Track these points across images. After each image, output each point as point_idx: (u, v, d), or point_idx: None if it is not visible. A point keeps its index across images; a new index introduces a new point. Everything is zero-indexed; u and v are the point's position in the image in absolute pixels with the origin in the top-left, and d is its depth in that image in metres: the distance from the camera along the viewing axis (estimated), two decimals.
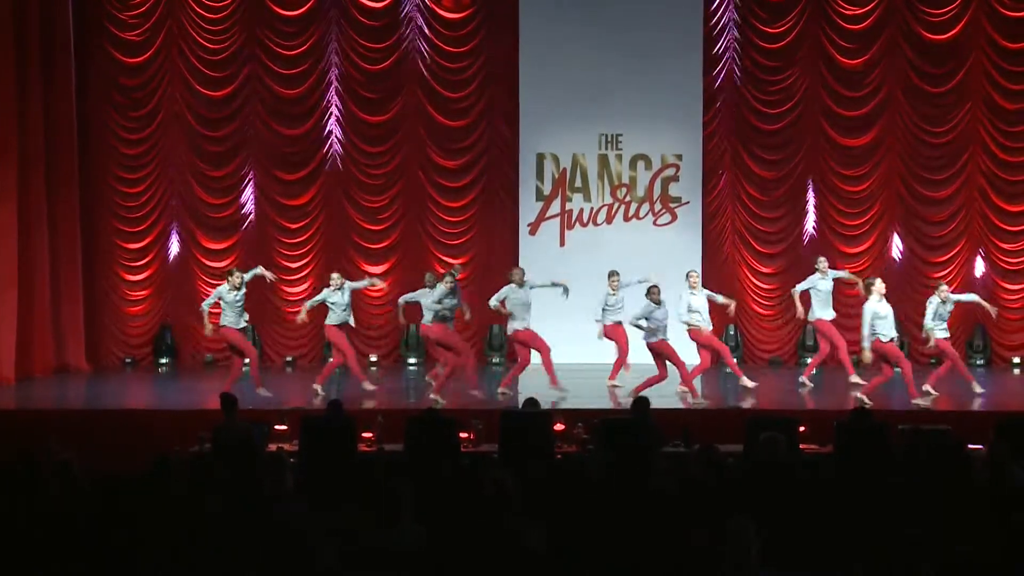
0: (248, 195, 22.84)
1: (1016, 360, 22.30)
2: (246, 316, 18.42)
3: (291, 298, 22.61)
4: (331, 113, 22.73)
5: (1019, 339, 22.56)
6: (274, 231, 22.86)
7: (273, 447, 13.90)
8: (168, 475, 8.97)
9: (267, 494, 8.87)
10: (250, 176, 22.79)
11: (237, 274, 18.21)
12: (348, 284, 18.88)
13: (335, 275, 18.95)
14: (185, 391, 19.99)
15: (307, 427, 13.48)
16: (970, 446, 12.03)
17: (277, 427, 14.51)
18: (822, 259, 19.73)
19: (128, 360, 22.60)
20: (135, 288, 22.81)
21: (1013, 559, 7.38)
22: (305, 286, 22.66)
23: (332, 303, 18.62)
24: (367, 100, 22.74)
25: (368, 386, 18.55)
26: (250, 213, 22.84)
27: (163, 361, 22.49)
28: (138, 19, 22.37)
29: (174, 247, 22.86)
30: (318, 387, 18.37)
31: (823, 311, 19.17)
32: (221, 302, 18.14)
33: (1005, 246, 22.61)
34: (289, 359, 22.65)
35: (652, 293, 17.70)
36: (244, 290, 18.21)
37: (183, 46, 22.49)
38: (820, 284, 19.23)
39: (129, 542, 7.82)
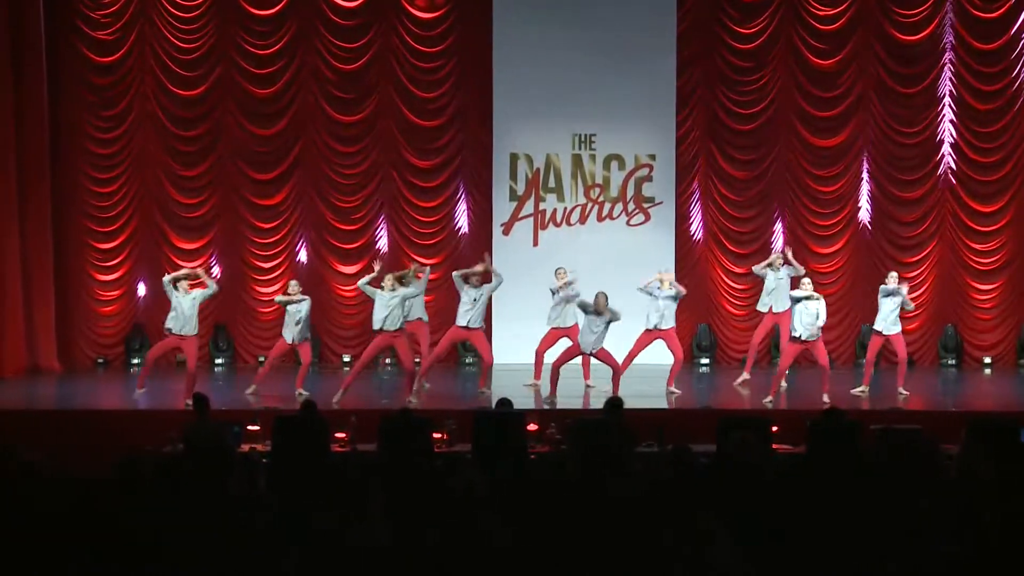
0: (221, 195, 22.77)
1: (987, 360, 22.39)
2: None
3: (263, 298, 22.57)
4: (304, 112, 22.70)
5: (991, 339, 22.65)
6: (247, 231, 22.81)
7: (246, 447, 13.89)
8: (137, 476, 8.93)
9: (239, 494, 8.84)
10: (223, 175, 22.73)
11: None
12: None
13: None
14: (157, 391, 19.92)
15: (280, 427, 13.44)
16: (943, 446, 12.06)
17: (250, 427, 14.48)
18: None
19: (100, 360, 22.52)
20: (107, 288, 22.74)
21: (985, 558, 7.40)
22: (278, 286, 22.62)
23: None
24: (340, 100, 22.71)
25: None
26: (223, 213, 22.78)
27: (135, 361, 22.38)
28: (110, 18, 22.29)
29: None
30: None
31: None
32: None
33: (977, 246, 22.69)
34: (261, 359, 22.56)
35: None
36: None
37: (155, 45, 22.41)
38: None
39: (98, 543, 7.78)
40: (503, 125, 22.58)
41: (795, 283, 18.99)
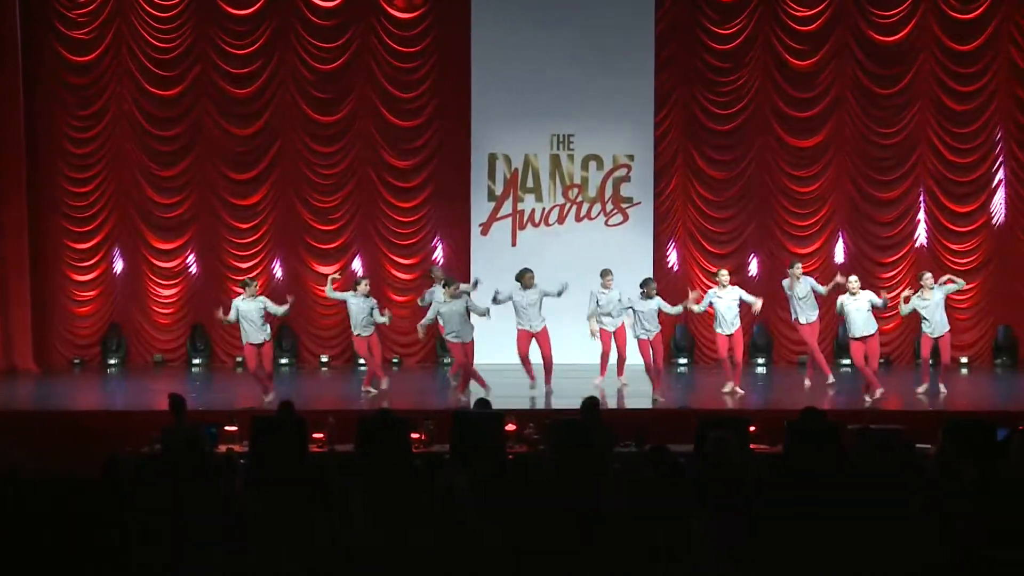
0: (198, 195, 22.71)
1: (964, 360, 22.41)
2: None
3: None
4: (282, 112, 22.65)
5: (967, 339, 22.66)
6: (224, 231, 22.76)
7: (223, 448, 13.85)
8: (118, 476, 8.91)
9: (218, 495, 8.82)
10: (200, 175, 22.67)
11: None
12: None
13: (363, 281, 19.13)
14: (134, 392, 19.91)
15: (257, 428, 13.41)
16: (919, 446, 12.10)
17: (227, 428, 14.42)
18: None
19: (77, 361, 22.44)
20: (83, 288, 22.66)
21: (963, 559, 7.43)
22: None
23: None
24: (318, 100, 22.66)
25: (383, 384, 18.76)
26: (200, 213, 22.72)
27: (112, 362, 22.33)
28: (87, 17, 22.22)
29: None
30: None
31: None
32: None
33: (953, 247, 22.75)
34: (239, 359, 22.51)
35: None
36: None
37: (132, 44, 22.34)
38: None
39: (79, 544, 7.76)
40: (481, 125, 22.55)
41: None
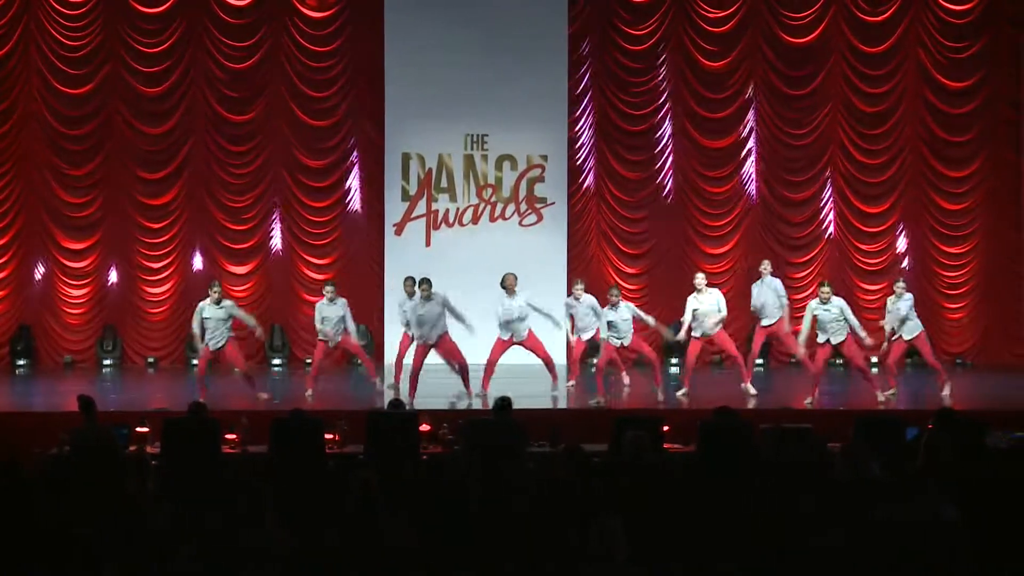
0: (109, 194, 22.47)
1: (873, 360, 22.58)
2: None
3: (152, 298, 22.34)
4: (194, 112, 22.46)
5: (876, 339, 22.81)
6: (135, 231, 22.53)
7: (134, 449, 13.70)
8: (17, 477, 8.78)
9: (128, 496, 8.74)
10: (111, 175, 22.44)
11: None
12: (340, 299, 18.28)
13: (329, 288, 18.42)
14: (44, 393, 19.66)
15: (169, 429, 13.29)
16: (830, 444, 12.20)
17: (138, 429, 14.27)
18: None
19: None
20: None
21: (875, 551, 7.50)
22: (167, 287, 22.41)
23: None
24: (231, 99, 22.51)
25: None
26: (111, 213, 22.48)
27: (21, 363, 22.03)
28: None
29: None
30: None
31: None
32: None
33: (863, 247, 23.02)
34: (151, 360, 22.34)
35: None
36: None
37: (41, 42, 22.09)
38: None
39: None
40: (395, 125, 22.51)
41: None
